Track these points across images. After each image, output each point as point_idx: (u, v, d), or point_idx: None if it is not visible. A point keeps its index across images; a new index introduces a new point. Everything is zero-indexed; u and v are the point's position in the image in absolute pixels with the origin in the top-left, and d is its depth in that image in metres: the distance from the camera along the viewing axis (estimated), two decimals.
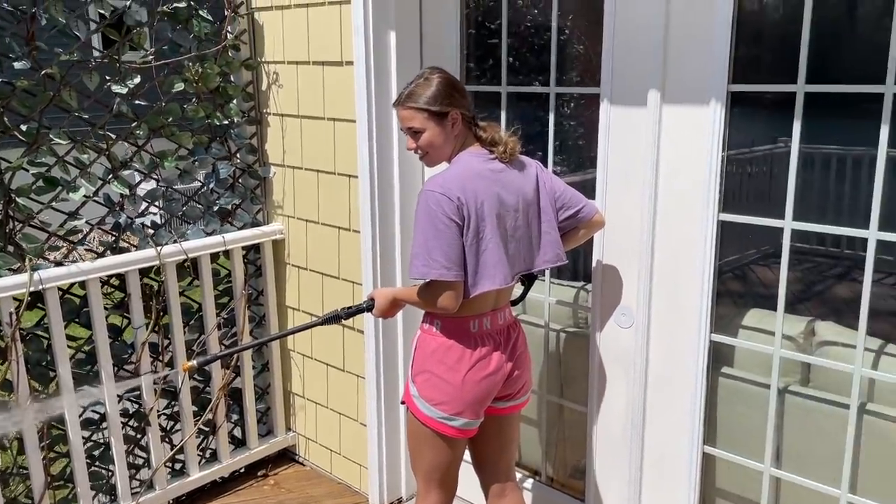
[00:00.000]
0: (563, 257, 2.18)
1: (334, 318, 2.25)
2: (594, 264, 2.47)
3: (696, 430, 2.32)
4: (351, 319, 3.03)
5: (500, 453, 2.30)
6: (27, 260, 2.52)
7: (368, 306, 2.25)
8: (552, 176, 2.24)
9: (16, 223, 2.56)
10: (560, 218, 2.19)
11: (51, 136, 2.57)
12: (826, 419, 2.18)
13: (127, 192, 2.79)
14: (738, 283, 2.44)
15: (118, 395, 2.83)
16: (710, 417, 2.37)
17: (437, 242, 1.95)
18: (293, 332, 2.43)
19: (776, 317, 2.13)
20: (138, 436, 3.00)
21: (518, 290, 2.35)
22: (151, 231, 2.91)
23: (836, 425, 2.12)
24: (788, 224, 2.06)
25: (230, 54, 3.05)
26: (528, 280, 2.36)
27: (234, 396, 3.30)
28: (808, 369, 2.26)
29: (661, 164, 2.25)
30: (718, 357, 2.34)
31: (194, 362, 2.22)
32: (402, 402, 2.23)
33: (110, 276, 2.79)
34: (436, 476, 2.20)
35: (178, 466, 3.17)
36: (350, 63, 2.77)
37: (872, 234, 1.93)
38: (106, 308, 2.77)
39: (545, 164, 2.52)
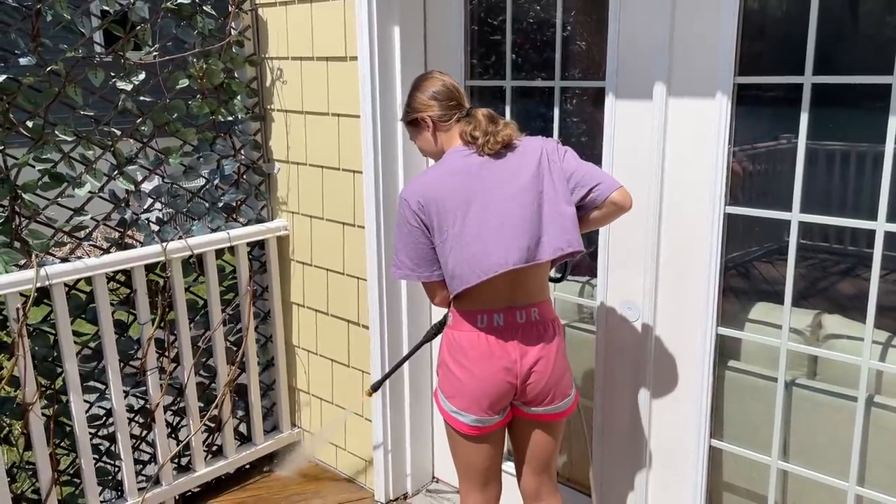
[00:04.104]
0: (574, 244, 1.95)
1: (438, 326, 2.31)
2: (599, 258, 2.46)
3: (702, 423, 2.32)
4: (356, 315, 3.06)
5: (531, 457, 2.19)
6: (34, 256, 2.53)
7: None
8: (567, 153, 2.04)
9: (22, 219, 2.56)
10: (576, 198, 1.99)
11: (56, 132, 2.58)
12: (833, 412, 2.18)
13: (132, 187, 2.79)
14: (745, 277, 2.44)
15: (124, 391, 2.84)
16: (717, 411, 2.37)
17: (403, 245, 2.04)
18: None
19: (783, 310, 2.13)
20: (144, 432, 3.01)
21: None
22: (156, 227, 2.91)
23: (843, 418, 2.12)
24: (796, 216, 2.05)
25: (234, 50, 3.05)
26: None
27: (240, 392, 3.30)
28: (816, 362, 2.26)
29: (667, 158, 2.24)
30: (725, 350, 2.34)
31: (370, 390, 2.62)
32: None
33: (116, 272, 2.80)
34: (469, 475, 2.16)
35: (184, 462, 3.18)
36: (354, 58, 2.77)
37: (881, 227, 1.92)
38: (112, 304, 2.77)
39: None
